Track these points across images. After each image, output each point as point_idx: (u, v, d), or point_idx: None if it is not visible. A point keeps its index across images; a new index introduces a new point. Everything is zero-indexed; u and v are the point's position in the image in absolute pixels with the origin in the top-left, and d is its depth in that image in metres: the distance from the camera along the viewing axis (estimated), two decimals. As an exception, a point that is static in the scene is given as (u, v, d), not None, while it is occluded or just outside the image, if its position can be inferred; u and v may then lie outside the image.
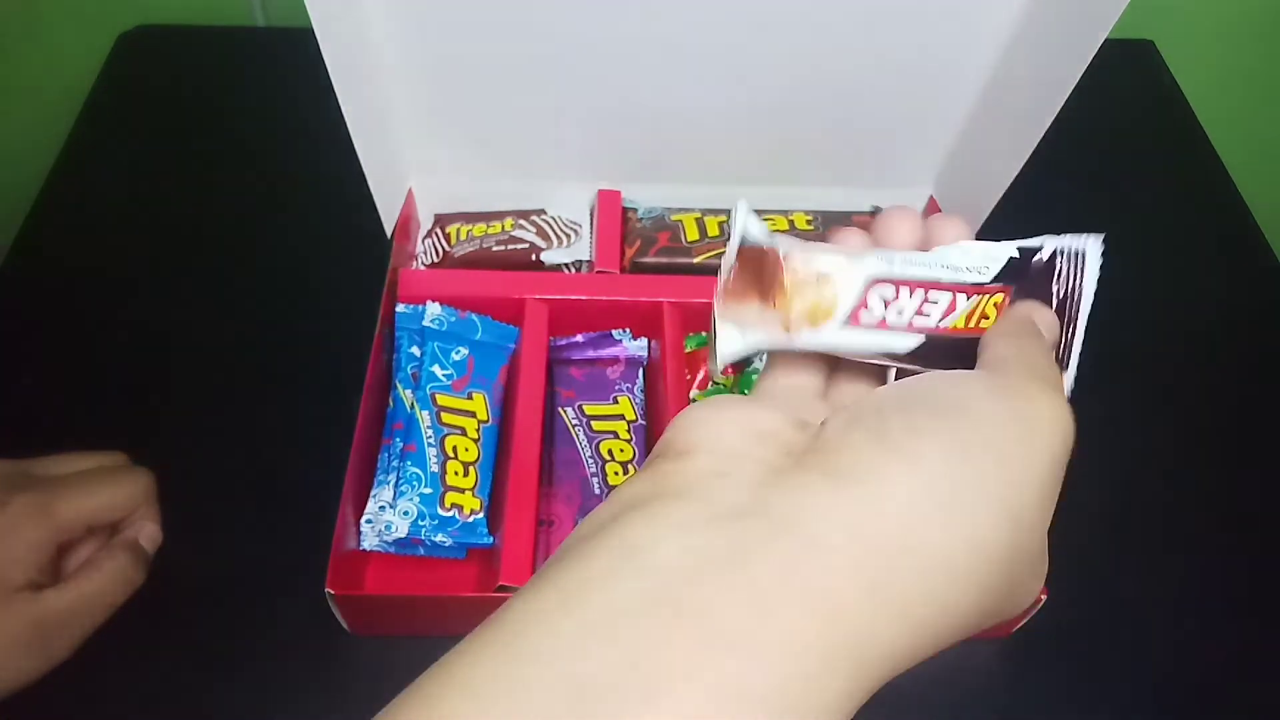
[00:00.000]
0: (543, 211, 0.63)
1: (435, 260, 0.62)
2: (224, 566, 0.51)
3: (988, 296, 0.26)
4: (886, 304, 0.25)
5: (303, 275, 0.64)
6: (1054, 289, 0.26)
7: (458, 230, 0.62)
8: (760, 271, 0.25)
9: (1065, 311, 0.26)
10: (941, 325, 0.25)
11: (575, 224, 0.63)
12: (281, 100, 0.73)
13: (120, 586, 0.45)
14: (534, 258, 0.61)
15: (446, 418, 0.53)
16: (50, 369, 0.60)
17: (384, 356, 0.55)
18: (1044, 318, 0.26)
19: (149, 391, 0.59)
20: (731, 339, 0.25)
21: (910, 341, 0.26)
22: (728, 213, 0.63)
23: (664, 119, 0.59)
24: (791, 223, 0.62)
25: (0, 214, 0.74)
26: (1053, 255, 0.27)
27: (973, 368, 0.25)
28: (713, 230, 0.62)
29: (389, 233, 0.58)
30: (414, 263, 0.63)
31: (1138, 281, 0.68)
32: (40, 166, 0.71)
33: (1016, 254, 0.26)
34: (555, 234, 0.62)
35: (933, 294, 0.25)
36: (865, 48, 0.54)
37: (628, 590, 0.18)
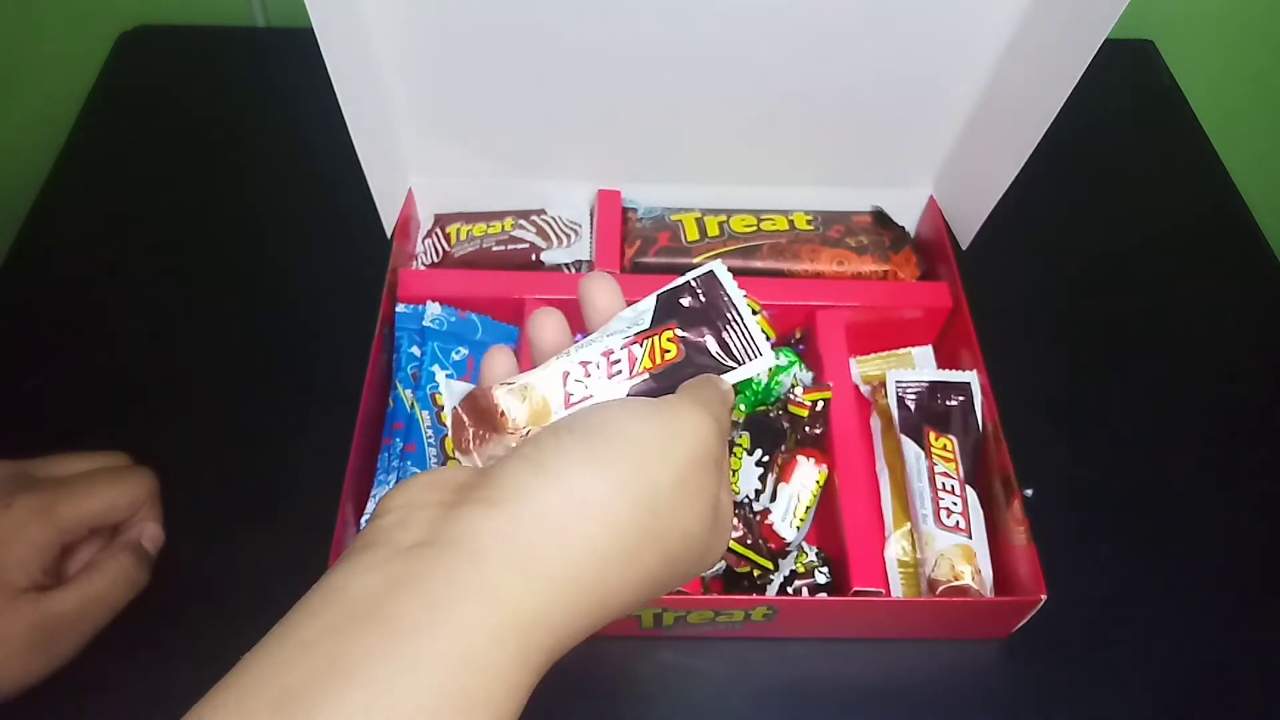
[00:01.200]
0: (543, 211, 0.63)
1: (435, 260, 0.62)
2: (224, 566, 0.51)
3: (657, 335, 0.32)
4: (584, 381, 0.31)
5: (303, 275, 0.65)
6: (701, 303, 0.33)
7: (458, 230, 0.62)
8: (480, 413, 0.31)
9: (720, 310, 0.33)
10: (635, 372, 0.31)
11: (575, 224, 0.63)
12: (281, 100, 0.73)
13: (123, 587, 0.45)
14: (534, 258, 0.61)
15: (447, 418, 0.53)
16: (50, 369, 0.60)
17: (384, 356, 0.56)
18: (721, 380, 0.32)
19: (149, 391, 0.59)
20: None
21: (621, 394, 0.32)
22: (728, 213, 0.63)
23: (664, 119, 0.59)
24: (791, 223, 0.62)
25: (0, 214, 0.74)
26: (685, 284, 0.33)
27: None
28: (713, 230, 0.62)
29: (389, 233, 0.58)
30: (414, 263, 0.63)
31: (1138, 281, 0.69)
32: (40, 166, 0.71)
33: (655, 301, 0.33)
34: (555, 234, 0.62)
35: (613, 356, 0.32)
36: (865, 48, 0.54)
37: (330, 616, 0.23)
